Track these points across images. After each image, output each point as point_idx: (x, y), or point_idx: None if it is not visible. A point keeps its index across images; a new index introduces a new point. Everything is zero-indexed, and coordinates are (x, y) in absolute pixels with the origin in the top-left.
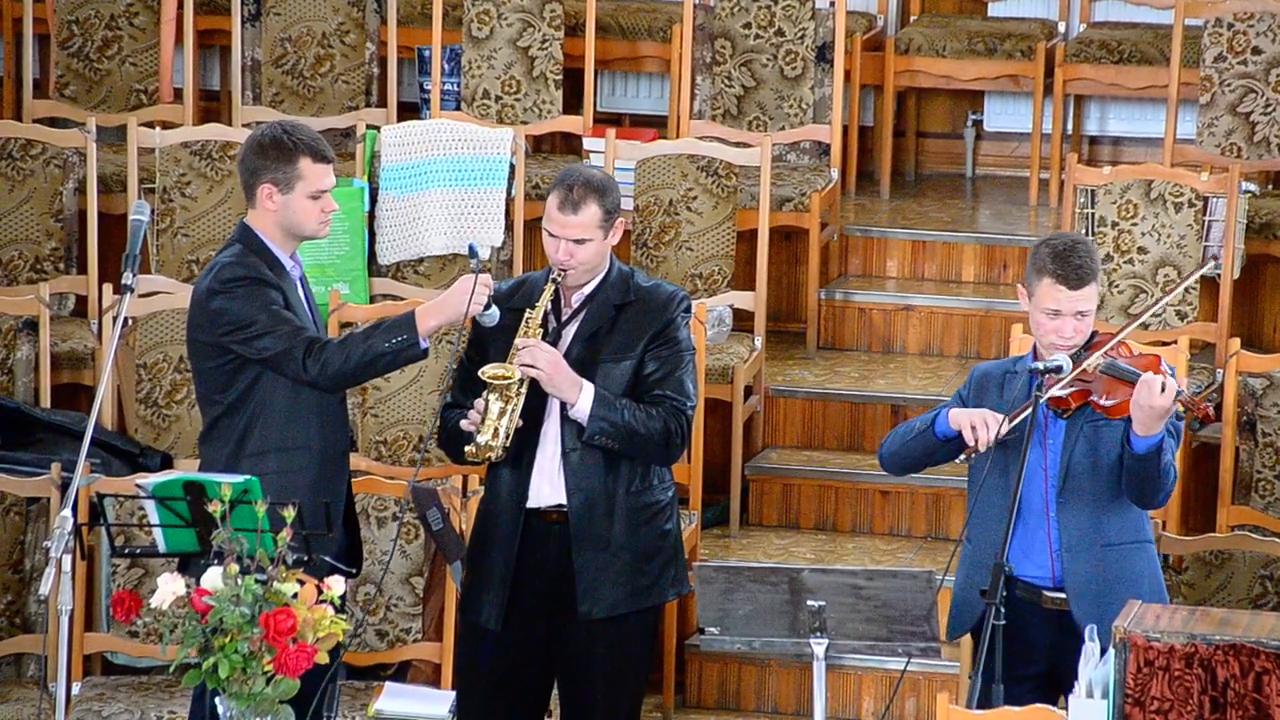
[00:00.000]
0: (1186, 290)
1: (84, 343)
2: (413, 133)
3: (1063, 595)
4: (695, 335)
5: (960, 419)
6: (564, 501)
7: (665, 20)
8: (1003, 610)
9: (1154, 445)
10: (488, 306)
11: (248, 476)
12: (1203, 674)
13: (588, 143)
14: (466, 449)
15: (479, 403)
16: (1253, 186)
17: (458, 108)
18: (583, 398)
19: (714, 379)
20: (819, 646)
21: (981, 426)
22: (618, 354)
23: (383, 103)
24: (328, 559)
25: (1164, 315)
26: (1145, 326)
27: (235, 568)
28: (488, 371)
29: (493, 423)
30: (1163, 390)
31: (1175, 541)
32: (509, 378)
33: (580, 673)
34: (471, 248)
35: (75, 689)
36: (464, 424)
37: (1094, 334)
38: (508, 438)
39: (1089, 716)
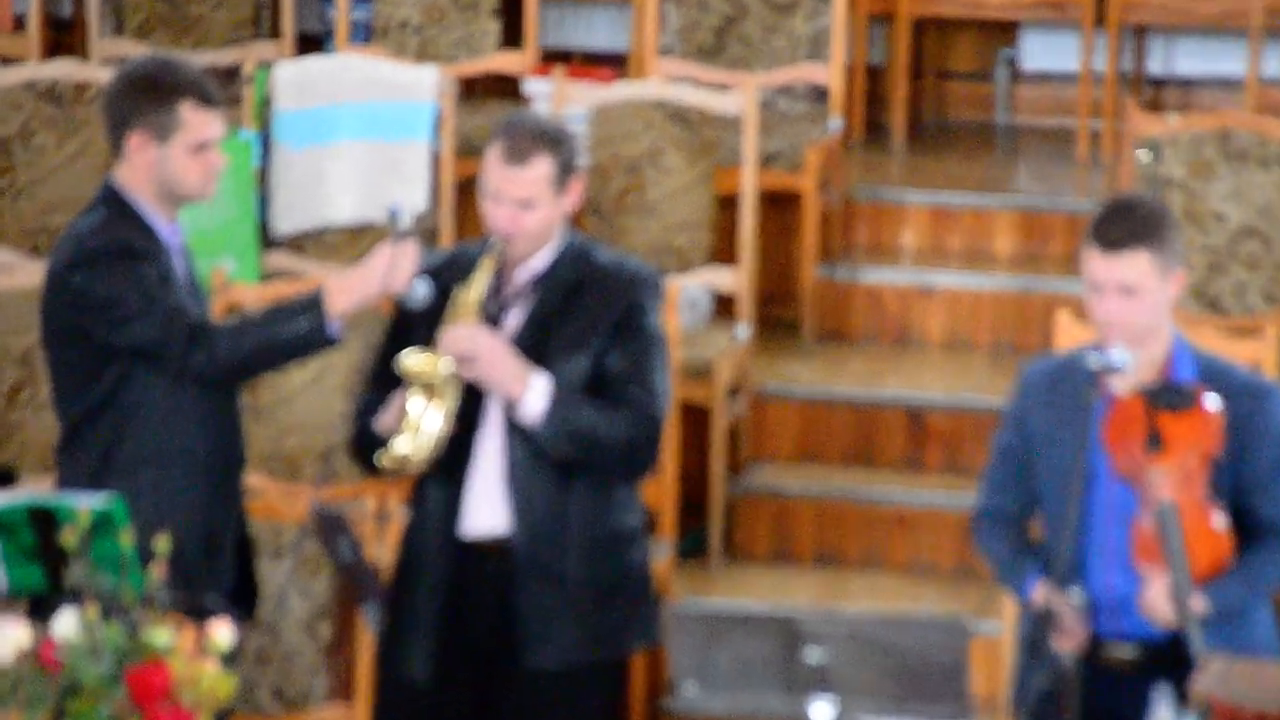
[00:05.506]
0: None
1: None
2: (313, 72)
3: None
4: (666, 323)
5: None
6: (506, 528)
7: None
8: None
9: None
10: (414, 282)
11: (112, 497)
12: None
13: (529, 84)
14: (379, 457)
15: (395, 399)
16: None
17: (368, 41)
18: (533, 394)
19: (689, 377)
20: (820, 709)
21: (1068, 638)
22: (571, 347)
23: (276, 34)
24: (211, 600)
25: (1247, 298)
26: (1225, 313)
27: (94, 612)
28: (407, 362)
29: (413, 426)
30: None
31: None
32: (435, 371)
33: None
34: (392, 210)
35: None
36: (375, 425)
37: (1187, 391)
38: (432, 446)
39: None
